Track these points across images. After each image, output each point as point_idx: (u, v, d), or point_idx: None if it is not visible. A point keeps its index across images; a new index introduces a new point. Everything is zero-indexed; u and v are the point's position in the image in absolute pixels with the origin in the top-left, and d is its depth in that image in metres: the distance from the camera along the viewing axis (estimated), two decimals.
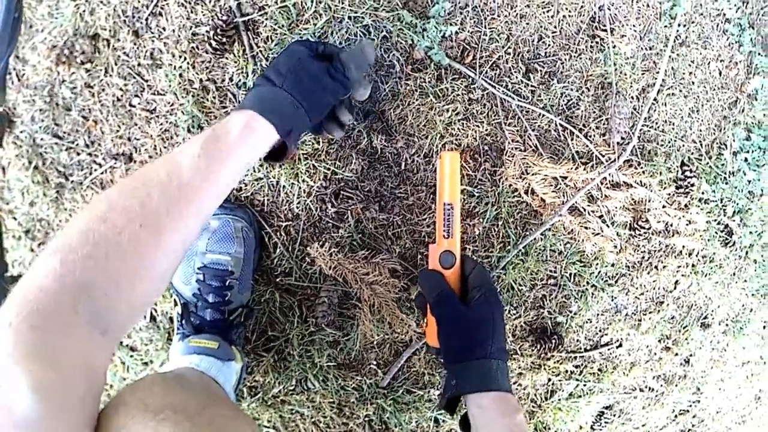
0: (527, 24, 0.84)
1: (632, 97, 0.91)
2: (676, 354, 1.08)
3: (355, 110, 0.80)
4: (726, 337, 1.12)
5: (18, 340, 0.40)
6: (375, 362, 0.92)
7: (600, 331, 1.01)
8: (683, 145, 0.96)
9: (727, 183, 1.00)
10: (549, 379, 1.00)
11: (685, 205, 0.97)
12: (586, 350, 1.02)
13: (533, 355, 0.96)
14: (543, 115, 0.86)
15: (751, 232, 1.05)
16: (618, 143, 0.90)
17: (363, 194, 0.85)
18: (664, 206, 0.95)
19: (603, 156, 0.90)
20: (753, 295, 1.11)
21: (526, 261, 0.91)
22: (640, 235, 0.95)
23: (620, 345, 1.03)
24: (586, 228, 0.91)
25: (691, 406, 1.16)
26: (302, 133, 0.65)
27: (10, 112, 0.82)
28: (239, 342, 0.83)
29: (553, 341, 0.95)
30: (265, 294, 0.86)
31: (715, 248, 1.02)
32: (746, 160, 1.01)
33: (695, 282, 1.03)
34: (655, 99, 0.92)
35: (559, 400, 1.02)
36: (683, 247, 1.00)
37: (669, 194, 0.95)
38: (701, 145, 0.98)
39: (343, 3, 0.77)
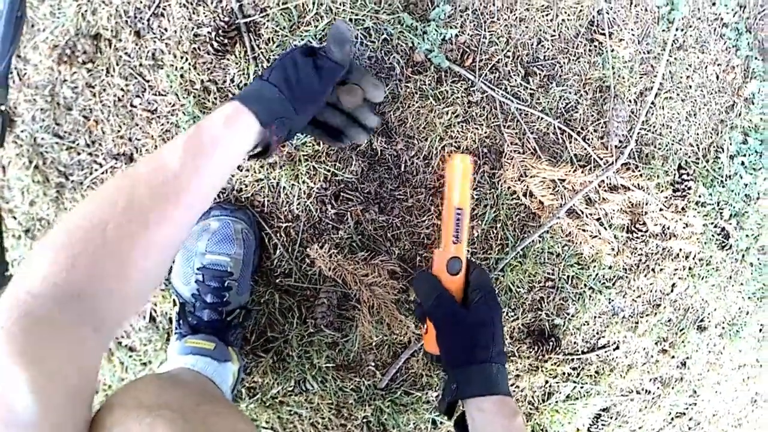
0: (526, 27, 0.84)
1: (630, 101, 0.91)
2: (673, 357, 1.08)
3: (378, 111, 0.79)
4: (722, 340, 1.13)
5: (11, 342, 0.40)
6: (373, 364, 0.92)
7: (597, 333, 1.02)
8: (680, 149, 0.97)
9: (723, 186, 1.01)
10: (546, 381, 1.01)
11: (682, 208, 0.97)
12: (583, 352, 1.02)
13: (531, 357, 0.97)
14: (541, 118, 0.87)
15: (747, 236, 1.05)
16: (616, 146, 0.91)
17: (363, 196, 0.85)
18: (661, 209, 0.95)
19: (601, 159, 0.90)
20: (749, 298, 1.12)
21: (524, 263, 0.92)
22: (637, 237, 0.95)
23: (617, 347, 1.04)
24: (583, 230, 0.92)
25: (687, 408, 1.17)
26: (290, 125, 0.63)
27: (11, 111, 0.82)
28: (236, 343, 0.83)
29: (551, 343, 0.95)
30: (265, 295, 0.87)
31: (712, 251, 1.03)
32: (743, 163, 1.01)
33: (692, 285, 1.04)
34: (652, 102, 0.92)
35: (557, 402, 1.03)
36: (680, 250, 1.00)
37: (666, 197, 0.96)
38: (698, 148, 0.98)
39: (344, 5, 0.77)
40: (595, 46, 0.88)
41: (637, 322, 1.03)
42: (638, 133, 0.92)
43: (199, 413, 0.53)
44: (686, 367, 1.11)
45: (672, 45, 0.92)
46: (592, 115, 0.90)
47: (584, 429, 1.08)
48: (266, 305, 0.87)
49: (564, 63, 0.87)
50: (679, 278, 1.03)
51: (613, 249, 0.95)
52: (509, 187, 0.88)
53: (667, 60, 0.92)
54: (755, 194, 1.03)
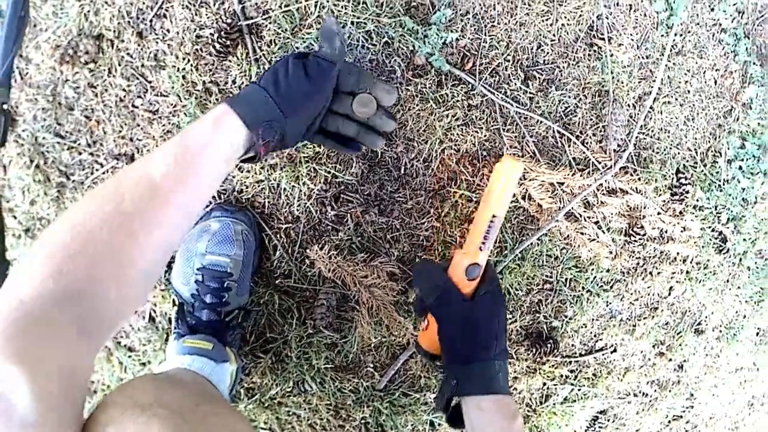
0: (527, 32, 0.85)
1: (629, 105, 0.92)
2: (670, 360, 1.09)
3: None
4: (719, 344, 1.13)
5: (10, 342, 0.40)
6: (372, 365, 0.92)
7: (595, 336, 1.02)
8: (678, 153, 0.97)
9: (721, 190, 1.01)
10: (544, 384, 1.01)
11: (680, 212, 0.98)
12: (581, 355, 1.02)
13: (529, 359, 0.97)
14: (541, 122, 0.87)
15: (744, 240, 1.06)
16: (614, 150, 0.92)
17: (363, 198, 0.85)
18: (659, 213, 0.96)
19: (599, 163, 0.91)
20: (746, 301, 1.12)
21: (523, 266, 0.92)
22: (635, 241, 0.96)
23: (615, 350, 1.04)
24: (582, 234, 0.92)
25: (684, 411, 1.17)
26: (280, 129, 0.62)
27: (13, 110, 0.83)
28: (235, 344, 0.83)
29: (549, 346, 0.95)
30: (264, 296, 0.87)
31: (710, 255, 1.04)
32: (740, 168, 1.02)
33: (689, 288, 1.05)
34: (651, 107, 0.93)
35: (554, 404, 1.03)
36: (678, 253, 1.01)
37: (664, 201, 0.96)
38: (696, 152, 0.99)
39: (346, 8, 0.78)
40: (595, 51, 0.89)
41: (634, 325, 1.03)
42: (637, 137, 0.93)
43: (199, 413, 0.53)
44: (683, 370, 1.12)
45: (671, 50, 0.92)
46: (591, 119, 0.91)
47: (581, 431, 1.09)
48: (266, 306, 0.87)
49: (563, 67, 0.87)
50: (677, 282, 1.03)
51: (611, 252, 0.95)
52: None
53: (666, 65, 0.92)
54: (753, 198, 1.04)
